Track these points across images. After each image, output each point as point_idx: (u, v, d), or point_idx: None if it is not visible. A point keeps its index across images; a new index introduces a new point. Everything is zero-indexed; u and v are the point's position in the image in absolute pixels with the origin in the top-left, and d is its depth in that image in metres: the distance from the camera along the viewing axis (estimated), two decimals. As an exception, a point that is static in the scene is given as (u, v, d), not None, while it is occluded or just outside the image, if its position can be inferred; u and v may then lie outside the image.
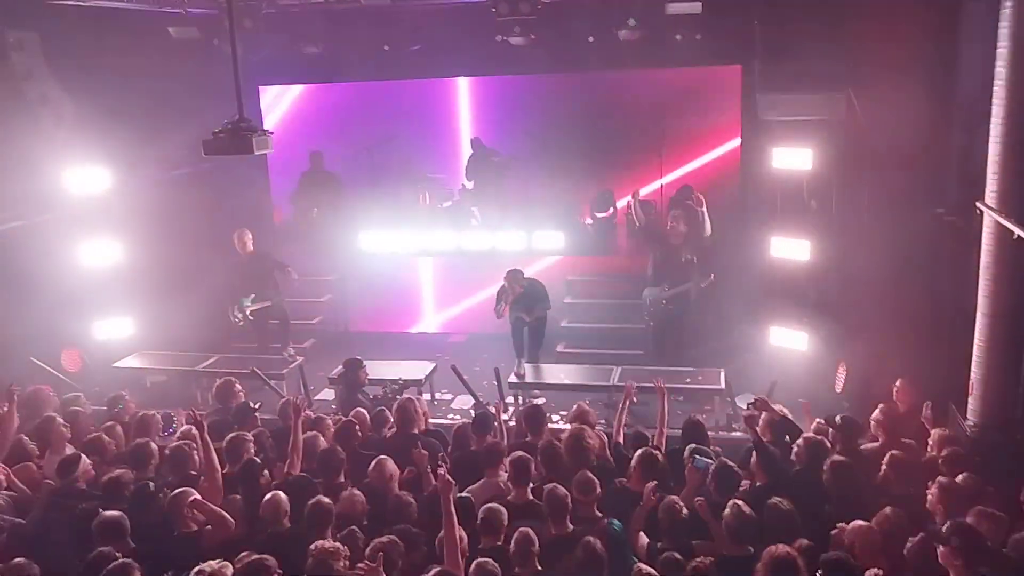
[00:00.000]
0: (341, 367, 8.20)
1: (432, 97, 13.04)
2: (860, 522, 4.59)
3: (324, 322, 11.79)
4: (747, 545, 4.68)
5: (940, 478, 5.00)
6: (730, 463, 5.45)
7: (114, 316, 10.04)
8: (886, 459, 5.45)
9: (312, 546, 4.56)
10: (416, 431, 6.47)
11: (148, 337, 10.17)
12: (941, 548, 4.28)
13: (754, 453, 5.67)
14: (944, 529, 4.37)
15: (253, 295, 10.04)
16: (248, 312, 10.04)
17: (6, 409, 6.55)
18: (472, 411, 7.92)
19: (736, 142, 11.44)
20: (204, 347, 10.03)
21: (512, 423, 7.11)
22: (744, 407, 6.95)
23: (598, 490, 5.25)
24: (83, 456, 5.92)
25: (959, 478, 5.06)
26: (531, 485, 5.50)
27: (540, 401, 8.61)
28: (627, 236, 11.97)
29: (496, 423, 6.77)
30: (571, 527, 4.96)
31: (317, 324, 11.73)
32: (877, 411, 6.12)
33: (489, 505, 5.03)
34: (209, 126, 6.96)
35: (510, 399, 8.74)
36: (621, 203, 12.06)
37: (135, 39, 10.09)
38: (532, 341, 9.61)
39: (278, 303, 10.31)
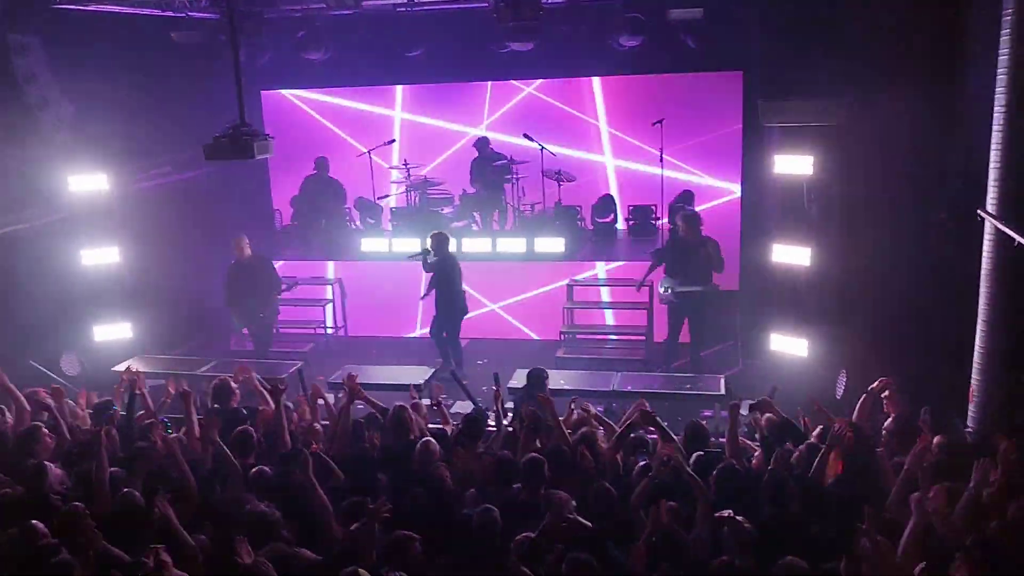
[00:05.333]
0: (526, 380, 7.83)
1: (434, 102, 13.05)
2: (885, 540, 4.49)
3: (323, 326, 11.79)
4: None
5: (945, 483, 4.98)
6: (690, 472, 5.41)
7: (114, 320, 10.04)
8: (892, 467, 5.44)
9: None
10: (411, 438, 6.42)
11: (147, 341, 10.16)
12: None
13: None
14: (968, 542, 4.28)
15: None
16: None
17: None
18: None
19: (737, 148, 11.44)
20: (203, 351, 10.02)
21: (511, 428, 7.06)
22: (745, 413, 6.92)
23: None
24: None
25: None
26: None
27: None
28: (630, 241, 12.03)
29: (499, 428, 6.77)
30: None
31: (316, 329, 11.72)
32: (889, 421, 6.10)
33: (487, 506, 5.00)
34: (211, 131, 6.97)
35: (509, 404, 8.71)
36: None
37: (137, 43, 10.10)
38: (452, 344, 9.79)
39: (270, 314, 10.41)
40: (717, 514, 4.70)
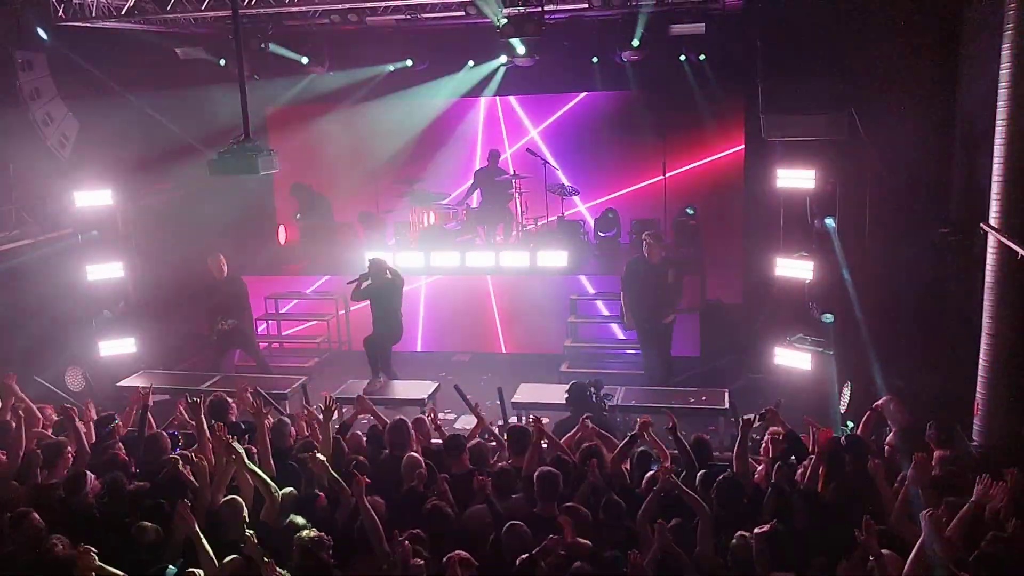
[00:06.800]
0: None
1: (437, 117, 13.10)
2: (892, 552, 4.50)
3: (328, 341, 11.79)
4: None
5: (948, 498, 4.96)
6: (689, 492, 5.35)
7: (118, 335, 10.05)
8: (898, 480, 5.42)
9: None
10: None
11: (151, 356, 10.17)
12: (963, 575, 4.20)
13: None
14: (971, 559, 4.30)
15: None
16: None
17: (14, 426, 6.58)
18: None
19: (740, 162, 11.47)
20: (207, 367, 10.02)
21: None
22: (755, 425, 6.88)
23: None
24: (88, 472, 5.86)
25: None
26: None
27: (545, 422, 8.57)
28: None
29: (493, 442, 6.75)
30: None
31: (321, 343, 11.72)
32: (892, 435, 6.09)
33: (513, 522, 5.00)
34: (215, 146, 7.00)
35: (513, 419, 8.69)
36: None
37: (142, 59, 10.17)
38: (384, 364, 9.62)
39: (244, 327, 10.35)
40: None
